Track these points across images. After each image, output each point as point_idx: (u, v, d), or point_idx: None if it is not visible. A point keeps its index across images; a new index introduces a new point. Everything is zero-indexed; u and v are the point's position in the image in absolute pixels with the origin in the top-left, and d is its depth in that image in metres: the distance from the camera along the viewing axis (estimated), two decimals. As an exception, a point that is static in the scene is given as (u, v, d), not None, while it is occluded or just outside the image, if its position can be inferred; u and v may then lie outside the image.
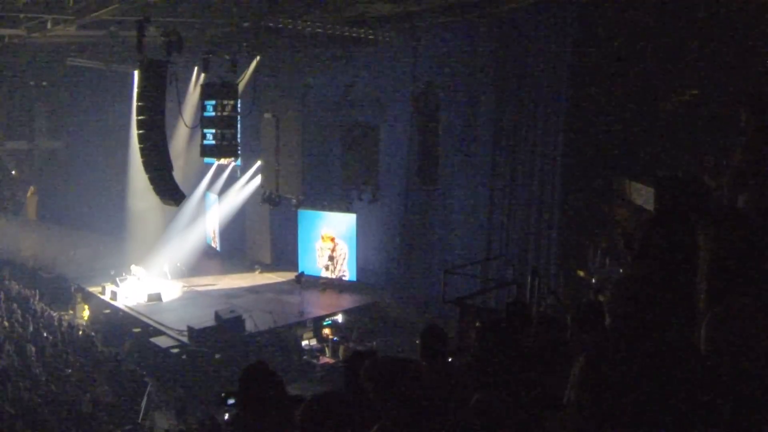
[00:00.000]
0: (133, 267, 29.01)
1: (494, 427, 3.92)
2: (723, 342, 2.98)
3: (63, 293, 29.78)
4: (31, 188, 37.06)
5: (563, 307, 13.97)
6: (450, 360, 7.58)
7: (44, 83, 34.18)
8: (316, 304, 26.99)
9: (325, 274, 29.25)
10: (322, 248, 29.27)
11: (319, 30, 21.08)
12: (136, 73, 20.44)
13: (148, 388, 20.90)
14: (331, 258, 28.91)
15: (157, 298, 27.41)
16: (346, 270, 28.80)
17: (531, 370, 4.24)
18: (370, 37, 22.37)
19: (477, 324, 10.30)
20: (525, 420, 3.88)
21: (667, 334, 3.13)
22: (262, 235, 32.63)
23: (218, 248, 34.00)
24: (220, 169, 32.51)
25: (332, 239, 28.85)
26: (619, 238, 15.52)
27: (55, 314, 26.34)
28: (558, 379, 4.16)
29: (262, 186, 29.77)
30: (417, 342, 6.88)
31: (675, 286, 3.80)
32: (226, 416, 14.14)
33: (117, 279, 28.14)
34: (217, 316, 23.44)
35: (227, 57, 23.09)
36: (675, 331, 3.39)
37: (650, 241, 4.67)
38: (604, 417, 2.42)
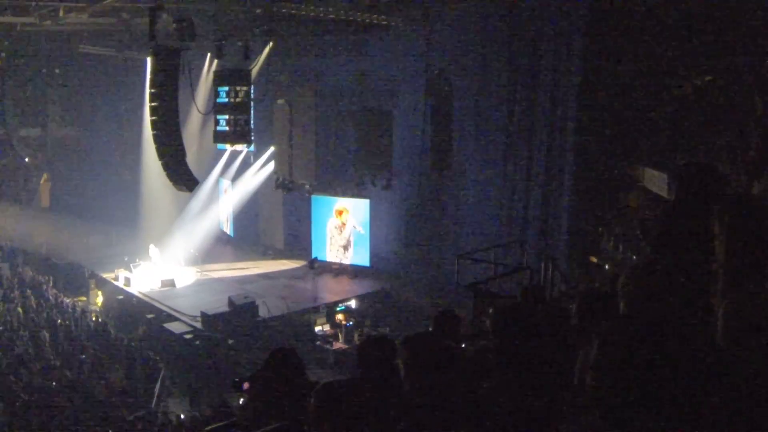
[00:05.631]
0: (150, 247, 29.15)
1: (507, 414, 3.92)
2: (739, 330, 2.97)
3: (77, 280, 29.88)
4: (44, 176, 37.13)
5: (575, 292, 13.95)
6: (463, 346, 7.58)
7: (57, 71, 34.20)
8: (329, 290, 27.05)
9: (335, 257, 29.37)
10: (334, 227, 29.33)
11: (332, 16, 21.06)
12: (148, 60, 20.44)
13: (162, 374, 21.00)
14: (341, 230, 29.03)
15: (170, 284, 27.52)
16: (351, 249, 28.98)
17: (546, 355, 4.24)
18: (383, 22, 22.37)
19: (491, 310, 10.27)
20: (539, 406, 3.88)
21: (683, 322, 3.12)
22: (276, 221, 32.65)
23: (231, 234, 34.07)
24: (234, 155, 32.51)
25: (343, 212, 28.91)
26: (635, 225, 15.50)
27: (68, 300, 26.45)
28: (571, 364, 4.16)
29: (275, 172, 29.77)
30: (430, 328, 6.87)
31: (692, 274, 3.78)
32: (240, 401, 14.18)
33: (131, 265, 28.24)
34: (231, 301, 23.50)
35: (240, 43, 23.06)
36: (691, 319, 3.38)
37: (668, 228, 4.66)
38: (619, 403, 2.41)
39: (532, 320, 4.35)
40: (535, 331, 4.27)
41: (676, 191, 5.13)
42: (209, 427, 6.68)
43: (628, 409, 2.36)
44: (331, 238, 29.44)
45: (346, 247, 29.17)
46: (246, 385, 5.77)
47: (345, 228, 28.96)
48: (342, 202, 29.00)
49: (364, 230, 28.52)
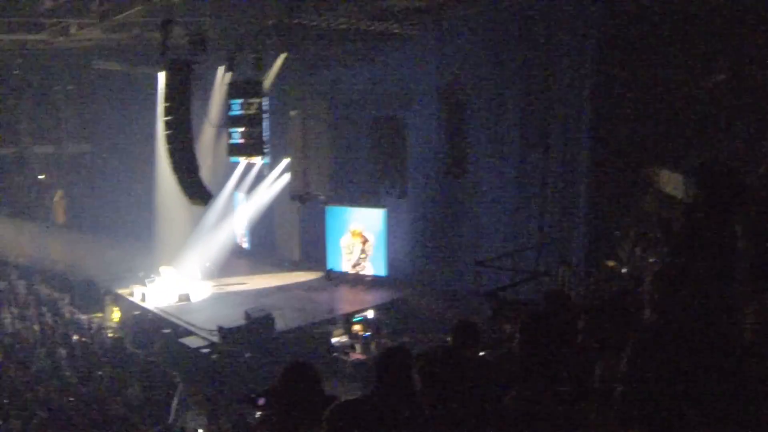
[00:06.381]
0: (162, 268, 29.06)
1: (532, 421, 3.83)
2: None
3: (93, 296, 29.86)
4: (59, 192, 37.20)
5: (593, 297, 13.85)
6: (482, 354, 7.49)
7: (70, 87, 34.31)
8: (346, 301, 26.99)
9: (351, 271, 29.25)
10: (349, 245, 29.19)
11: (344, 26, 21.03)
12: (161, 74, 20.45)
13: (179, 389, 20.94)
14: (363, 253, 28.88)
15: (186, 298, 27.48)
16: (370, 265, 28.81)
17: (573, 363, 4.14)
18: (396, 31, 22.33)
19: (512, 316, 10.23)
20: (565, 412, 3.78)
21: (711, 324, 3.03)
22: (291, 233, 32.63)
23: (247, 247, 34.06)
24: (248, 168, 32.54)
25: (361, 234, 28.78)
26: (652, 227, 15.35)
27: (84, 317, 26.45)
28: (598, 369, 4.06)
29: (290, 183, 29.75)
30: (449, 338, 6.79)
31: (717, 276, 3.68)
32: (257, 415, 14.09)
33: (146, 280, 28.23)
34: (247, 315, 23.42)
35: (252, 55, 23.06)
36: (719, 320, 3.28)
37: (689, 230, 4.56)
38: (650, 408, 2.32)
39: (559, 328, 4.25)
40: (564, 339, 4.18)
41: (695, 192, 5.02)
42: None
43: (660, 418, 2.27)
44: (345, 254, 29.47)
45: (357, 263, 29.19)
46: (261, 401, 5.70)
47: (362, 247, 28.97)
48: (357, 225, 28.97)
49: (371, 250, 28.62)
